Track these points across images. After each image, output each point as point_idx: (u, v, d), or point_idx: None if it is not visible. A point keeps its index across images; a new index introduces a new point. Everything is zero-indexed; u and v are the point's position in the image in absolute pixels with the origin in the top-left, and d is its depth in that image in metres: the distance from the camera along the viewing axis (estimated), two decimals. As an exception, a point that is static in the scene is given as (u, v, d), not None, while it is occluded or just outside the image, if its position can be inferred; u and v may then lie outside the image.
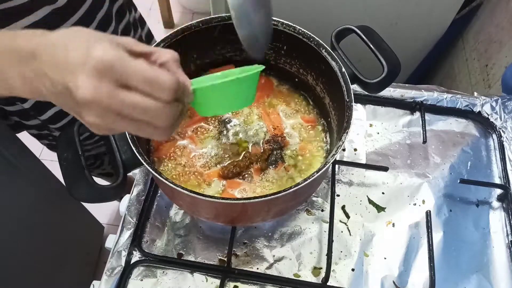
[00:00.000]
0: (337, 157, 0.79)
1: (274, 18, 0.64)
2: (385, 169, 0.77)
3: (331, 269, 0.68)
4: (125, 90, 0.36)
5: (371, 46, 0.62)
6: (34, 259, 1.11)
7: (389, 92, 0.88)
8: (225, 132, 0.70)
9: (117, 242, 0.70)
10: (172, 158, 0.67)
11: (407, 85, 0.90)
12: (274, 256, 0.71)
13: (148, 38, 1.12)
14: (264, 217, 0.63)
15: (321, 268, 0.70)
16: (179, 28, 0.63)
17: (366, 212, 0.76)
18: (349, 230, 0.74)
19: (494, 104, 0.87)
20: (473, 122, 0.87)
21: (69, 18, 0.77)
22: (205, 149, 0.68)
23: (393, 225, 0.75)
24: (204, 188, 0.65)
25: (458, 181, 0.77)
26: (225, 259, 0.69)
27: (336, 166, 0.79)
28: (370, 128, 0.85)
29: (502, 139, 0.84)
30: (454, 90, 0.90)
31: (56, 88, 0.37)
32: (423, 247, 0.72)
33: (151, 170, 0.52)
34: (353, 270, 0.70)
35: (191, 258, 0.70)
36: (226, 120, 0.72)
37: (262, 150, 0.68)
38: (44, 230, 1.16)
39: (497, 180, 0.80)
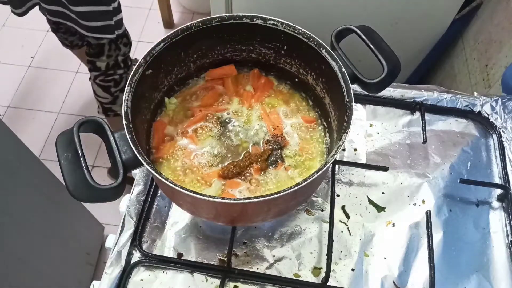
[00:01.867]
0: (337, 157, 0.79)
1: (274, 18, 0.64)
2: (385, 169, 0.77)
3: (331, 269, 0.68)
4: None
5: (371, 46, 0.62)
6: (33, 259, 1.11)
7: (389, 92, 0.88)
8: (225, 132, 0.70)
9: (117, 242, 0.70)
10: (172, 158, 0.67)
11: (407, 85, 0.90)
12: (274, 256, 0.71)
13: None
14: (264, 217, 0.63)
15: (321, 268, 0.70)
16: (179, 28, 0.63)
17: (366, 212, 0.76)
18: (349, 230, 0.74)
19: (494, 104, 0.87)
20: (473, 122, 0.87)
21: None
22: (205, 149, 0.68)
23: (393, 225, 0.75)
24: (204, 188, 0.65)
25: (458, 181, 0.77)
26: (225, 259, 0.69)
27: (336, 166, 0.79)
28: (370, 128, 0.85)
29: (502, 139, 0.84)
30: (454, 90, 0.90)
31: None
32: (423, 247, 0.72)
33: (151, 170, 0.52)
34: (353, 270, 0.70)
35: (191, 258, 0.70)
36: (226, 120, 0.72)
37: (262, 150, 0.68)
38: (44, 230, 1.16)
39: (497, 180, 0.80)
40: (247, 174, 0.66)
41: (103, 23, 1.18)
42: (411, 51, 1.36)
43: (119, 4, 1.20)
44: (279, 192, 0.52)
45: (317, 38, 0.63)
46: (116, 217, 0.79)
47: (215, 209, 0.61)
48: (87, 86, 1.41)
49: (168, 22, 2.28)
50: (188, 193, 0.51)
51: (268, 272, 0.69)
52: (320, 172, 0.53)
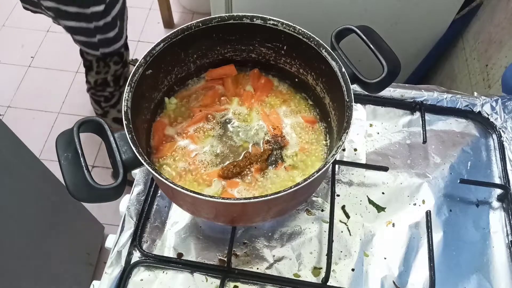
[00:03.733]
0: (337, 157, 0.79)
1: (274, 18, 0.64)
2: (385, 169, 0.77)
3: (331, 269, 0.68)
4: None
5: (371, 46, 0.62)
6: (34, 259, 1.11)
7: (389, 92, 0.88)
8: (225, 132, 0.70)
9: (117, 242, 0.70)
10: (172, 158, 0.67)
11: (407, 85, 0.90)
12: (274, 256, 0.71)
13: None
14: (264, 217, 0.63)
15: (321, 268, 0.70)
16: (179, 28, 0.63)
17: (366, 212, 0.76)
18: (349, 230, 0.74)
19: (494, 104, 0.87)
20: (473, 122, 0.87)
21: None
22: (205, 149, 0.68)
23: (393, 225, 0.75)
24: (204, 188, 0.65)
25: (458, 181, 0.77)
26: (225, 259, 0.69)
27: (336, 166, 0.79)
28: (370, 128, 0.85)
29: (502, 139, 0.84)
30: (454, 90, 0.90)
31: None
32: (423, 247, 0.72)
33: (151, 170, 0.52)
34: (353, 270, 0.70)
35: (191, 258, 0.70)
36: (227, 120, 0.72)
37: (262, 150, 0.68)
38: (44, 230, 1.16)
39: (497, 180, 0.80)
40: (247, 174, 0.66)
41: (86, 39, 1.18)
42: (411, 51, 1.36)
43: (108, 24, 1.17)
44: (279, 192, 0.52)
45: (317, 38, 0.63)
46: (116, 217, 0.79)
47: (215, 209, 0.61)
48: (87, 86, 1.42)
49: (168, 22, 2.28)
50: (188, 193, 0.51)
51: (268, 272, 0.69)
52: (320, 172, 0.53)
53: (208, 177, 0.66)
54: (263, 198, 0.52)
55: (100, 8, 1.12)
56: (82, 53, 1.28)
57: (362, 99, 0.88)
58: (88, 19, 1.12)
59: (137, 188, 0.76)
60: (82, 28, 1.14)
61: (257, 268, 0.70)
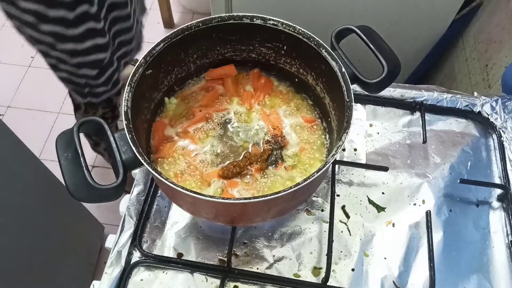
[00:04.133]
0: (337, 157, 0.79)
1: (274, 18, 0.64)
2: (385, 169, 0.77)
3: (331, 269, 0.68)
4: None
5: (371, 46, 0.62)
6: (34, 259, 1.11)
7: (389, 92, 0.88)
8: (225, 132, 0.70)
9: (117, 242, 0.70)
10: (172, 158, 0.67)
11: (407, 85, 0.90)
12: (274, 256, 0.71)
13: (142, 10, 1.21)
14: (264, 217, 0.63)
15: (321, 268, 0.70)
16: (179, 28, 0.63)
17: (366, 212, 0.76)
18: (349, 230, 0.74)
19: (494, 104, 0.87)
20: (473, 122, 0.87)
21: None
22: (206, 149, 0.68)
23: (393, 225, 0.75)
24: (204, 188, 0.65)
25: (458, 181, 0.77)
26: (225, 259, 0.69)
27: (336, 166, 0.79)
28: (370, 128, 0.85)
29: (502, 139, 0.84)
30: (454, 90, 0.90)
31: None
32: (423, 247, 0.72)
33: (151, 170, 0.52)
34: (353, 270, 0.70)
35: (191, 258, 0.70)
36: (227, 120, 0.72)
37: (262, 150, 0.68)
38: (44, 230, 1.16)
39: (497, 180, 0.80)
40: (247, 174, 0.66)
41: (75, 88, 1.18)
42: (411, 51, 1.36)
43: (99, 84, 1.16)
44: (279, 192, 0.52)
45: (317, 38, 0.63)
46: (116, 217, 0.79)
47: (215, 209, 0.61)
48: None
49: (168, 22, 2.28)
50: (188, 193, 0.51)
51: (268, 272, 0.69)
52: (320, 172, 0.53)
53: (208, 177, 0.66)
54: (263, 198, 0.52)
55: (93, 72, 1.10)
56: (70, 94, 1.28)
57: (362, 99, 0.88)
58: (80, 76, 1.11)
59: (137, 188, 0.76)
60: (72, 81, 1.14)
61: (257, 268, 0.70)
